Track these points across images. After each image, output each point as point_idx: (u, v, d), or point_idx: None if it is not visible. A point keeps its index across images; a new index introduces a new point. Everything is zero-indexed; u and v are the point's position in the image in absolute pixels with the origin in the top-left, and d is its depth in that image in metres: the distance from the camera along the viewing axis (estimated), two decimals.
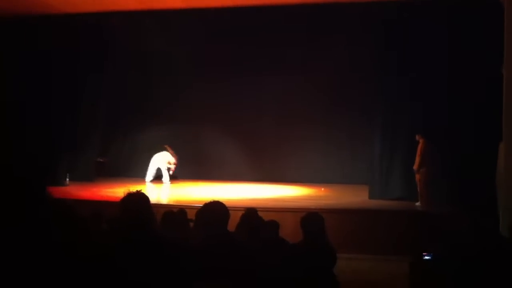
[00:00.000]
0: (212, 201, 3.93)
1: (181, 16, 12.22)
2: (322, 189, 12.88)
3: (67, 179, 12.69)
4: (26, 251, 1.84)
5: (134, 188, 3.52)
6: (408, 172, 10.68)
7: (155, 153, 14.11)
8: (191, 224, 5.31)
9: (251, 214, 5.44)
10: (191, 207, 8.33)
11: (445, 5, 10.31)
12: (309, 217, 4.79)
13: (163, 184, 13.77)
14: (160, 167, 14.01)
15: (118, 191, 3.79)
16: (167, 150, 13.99)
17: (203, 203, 3.93)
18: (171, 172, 13.96)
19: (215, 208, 3.84)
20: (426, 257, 4.05)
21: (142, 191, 3.45)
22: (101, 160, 14.80)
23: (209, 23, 12.91)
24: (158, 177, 13.98)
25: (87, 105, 13.45)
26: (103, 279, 1.93)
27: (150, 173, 14.01)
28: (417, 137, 10.38)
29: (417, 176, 10.40)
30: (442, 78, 10.78)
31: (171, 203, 9.78)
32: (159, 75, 14.55)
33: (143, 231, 3.22)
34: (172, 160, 13.92)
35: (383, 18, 11.11)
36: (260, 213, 5.72)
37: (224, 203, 3.94)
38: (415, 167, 10.33)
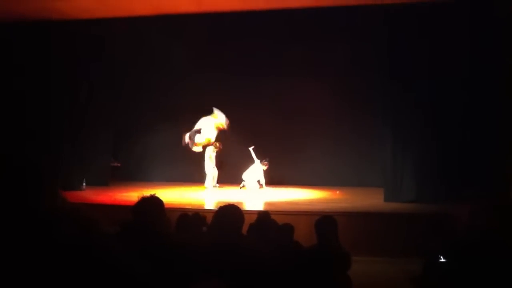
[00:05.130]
0: (227, 204, 3.93)
1: (186, 18, 12.24)
2: (337, 192, 12.86)
3: (84, 184, 12.79)
4: (28, 251, 1.83)
5: (148, 192, 3.56)
6: (421, 174, 10.69)
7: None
8: (204, 228, 5.34)
9: (263, 217, 5.45)
10: (206, 211, 8.37)
11: (449, 5, 10.32)
12: (324, 220, 4.79)
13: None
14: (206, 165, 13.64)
15: (133, 195, 3.82)
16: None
17: (218, 206, 3.94)
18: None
19: (230, 212, 3.83)
20: (441, 260, 4.03)
21: (156, 195, 3.48)
22: (116, 164, 14.88)
23: (213, 24, 12.95)
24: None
25: (98, 109, 13.47)
26: (109, 280, 1.94)
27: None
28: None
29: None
30: (451, 77, 10.75)
31: (187, 206, 9.80)
32: (167, 77, 14.49)
33: (154, 234, 3.25)
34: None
35: (390, 18, 11.08)
36: (274, 216, 5.73)
37: (238, 206, 3.95)
38: None
